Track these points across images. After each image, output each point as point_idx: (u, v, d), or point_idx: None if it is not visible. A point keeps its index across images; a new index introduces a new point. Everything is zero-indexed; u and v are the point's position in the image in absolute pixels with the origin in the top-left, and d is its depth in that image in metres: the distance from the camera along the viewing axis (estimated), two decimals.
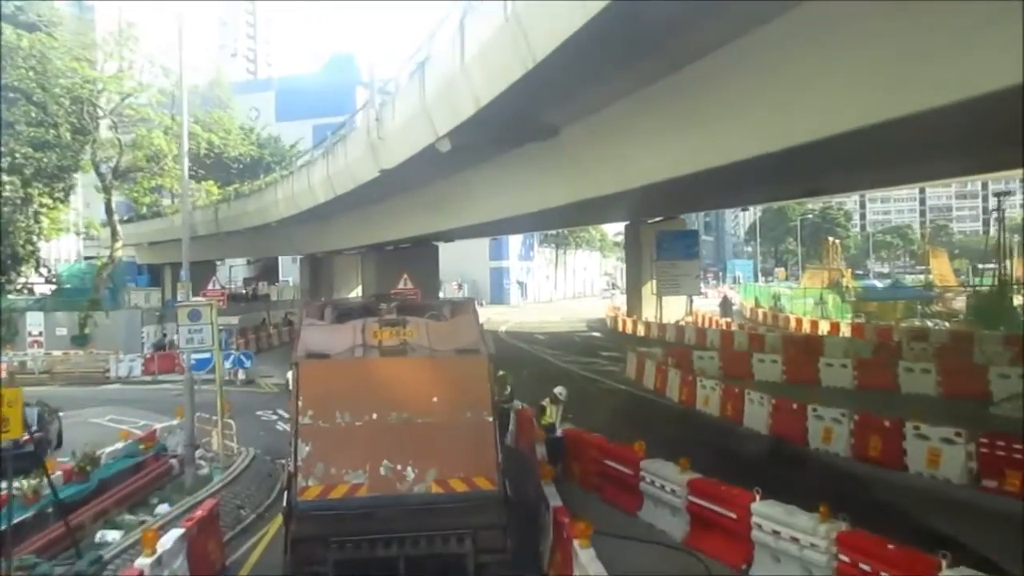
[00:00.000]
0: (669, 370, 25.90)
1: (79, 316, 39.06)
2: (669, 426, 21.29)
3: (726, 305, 52.03)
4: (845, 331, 40.19)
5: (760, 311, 56.88)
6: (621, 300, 79.06)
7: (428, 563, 9.53)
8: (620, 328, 54.88)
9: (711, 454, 16.34)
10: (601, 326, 61.65)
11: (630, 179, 19.60)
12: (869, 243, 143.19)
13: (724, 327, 46.90)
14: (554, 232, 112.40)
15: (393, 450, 9.72)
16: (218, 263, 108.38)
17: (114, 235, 45.00)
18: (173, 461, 17.36)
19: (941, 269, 57.18)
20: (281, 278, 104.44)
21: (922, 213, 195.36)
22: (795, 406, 18.55)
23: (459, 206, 29.46)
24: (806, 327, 45.76)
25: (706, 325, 49.35)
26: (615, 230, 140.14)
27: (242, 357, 32.12)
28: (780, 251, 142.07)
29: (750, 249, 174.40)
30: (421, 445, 9.81)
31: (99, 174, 42.25)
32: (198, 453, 18.16)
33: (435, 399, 10.13)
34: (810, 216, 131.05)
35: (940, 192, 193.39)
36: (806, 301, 52.93)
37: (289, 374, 12.31)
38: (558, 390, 15.65)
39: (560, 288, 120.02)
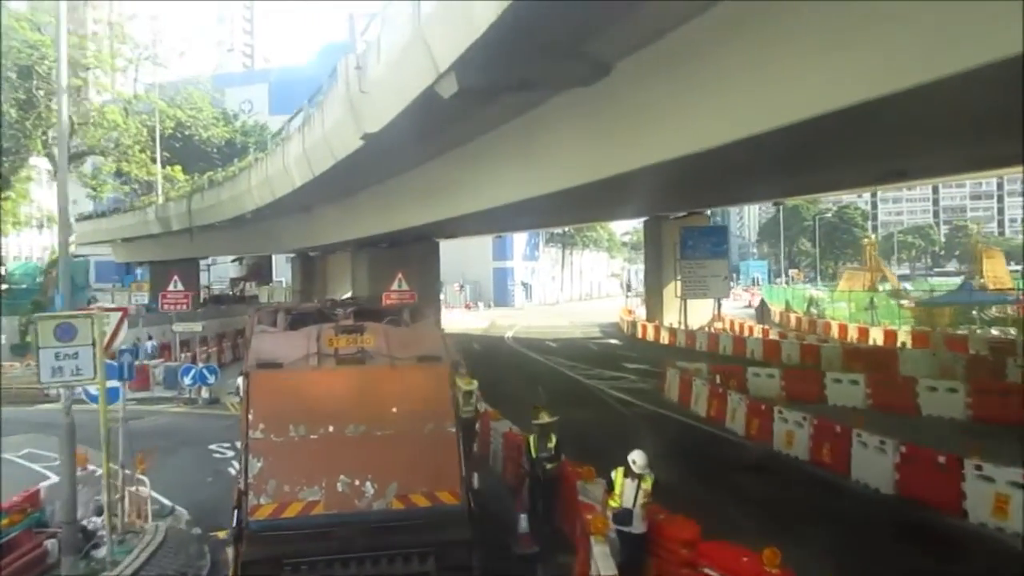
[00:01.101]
0: (730, 395, 20.56)
1: (19, 321, 33.84)
2: (754, 481, 16.03)
3: (763, 310, 46.84)
4: (905, 341, 34.92)
5: (792, 316, 51.51)
6: (635, 303, 74.08)
7: None
8: (640, 335, 49.62)
9: (839, 535, 11.21)
10: (617, 332, 56.36)
11: (702, 137, 14.14)
12: (893, 243, 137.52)
13: (762, 335, 41.56)
14: (560, 231, 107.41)
15: (351, 464, 9.25)
16: (208, 262, 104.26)
17: (65, 228, 39.44)
18: (49, 543, 11.94)
19: (996, 271, 51.83)
20: (275, 278, 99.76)
21: (935, 214, 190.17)
22: (942, 460, 13.16)
23: (461, 191, 24.22)
24: (852, 335, 40.44)
25: (741, 332, 44.05)
26: (623, 229, 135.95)
27: (205, 372, 27.00)
28: (793, 252, 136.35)
29: (756, 251, 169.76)
30: (380, 459, 9.35)
31: (50, 157, 36.92)
32: (98, 521, 12.83)
33: (395, 409, 9.66)
34: (828, 215, 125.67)
35: (954, 192, 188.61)
36: (849, 305, 47.56)
37: (240, 382, 10.58)
38: (635, 456, 9.98)
39: (566, 290, 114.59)
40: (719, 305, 48.52)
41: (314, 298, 68.22)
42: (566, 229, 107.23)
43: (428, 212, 26.89)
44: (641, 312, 63.05)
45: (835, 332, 42.16)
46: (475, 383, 17.34)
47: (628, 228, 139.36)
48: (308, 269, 76.49)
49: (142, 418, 25.00)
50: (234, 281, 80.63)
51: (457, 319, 65.91)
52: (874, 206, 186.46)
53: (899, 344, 34.55)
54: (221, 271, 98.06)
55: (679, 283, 47.51)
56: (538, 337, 52.37)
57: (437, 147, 23.14)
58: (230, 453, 19.75)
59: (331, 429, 9.41)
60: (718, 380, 23.41)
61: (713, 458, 18.09)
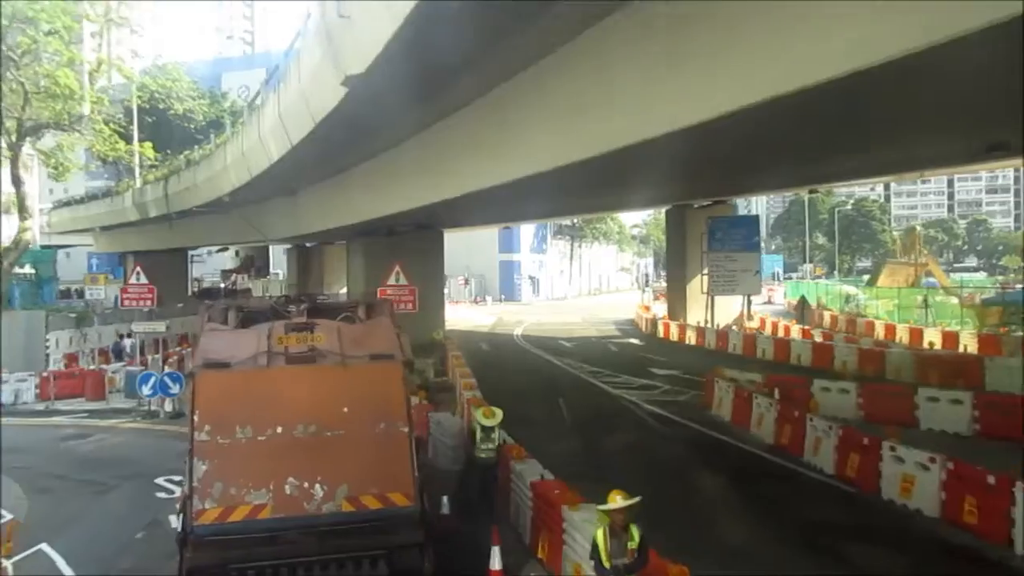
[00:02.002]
0: (811, 421, 16.32)
1: None
2: (876, 554, 11.79)
3: (804, 308, 42.62)
4: (969, 343, 30.74)
5: (827, 314, 47.20)
6: (651, 298, 69.80)
7: None
8: (662, 334, 45.41)
9: None
10: (635, 330, 52.18)
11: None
12: (896, 241, 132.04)
13: (801, 336, 37.35)
14: (569, 223, 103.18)
15: (300, 466, 8.89)
16: (202, 253, 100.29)
17: (23, 213, 35.44)
18: None
19: None
20: (272, 271, 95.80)
21: (950, 208, 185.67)
22: None
23: (471, 161, 19.95)
24: (902, 336, 36.24)
25: (776, 332, 39.87)
26: (632, 222, 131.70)
27: (167, 380, 22.84)
28: (806, 246, 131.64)
29: (765, 246, 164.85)
30: (331, 460, 9.01)
31: (3, 131, 32.71)
32: None
33: (346, 409, 9.28)
34: (848, 207, 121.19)
35: (970, 186, 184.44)
36: (895, 302, 43.30)
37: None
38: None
39: (575, 284, 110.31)
40: (749, 302, 44.25)
41: (309, 291, 64.80)
42: (575, 221, 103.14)
43: (428, 191, 22.67)
44: (659, 308, 59.11)
45: (880, 333, 37.95)
46: (499, 415, 13.22)
47: (638, 221, 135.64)
48: (305, 262, 72.68)
49: (88, 437, 21.05)
50: (225, 274, 76.48)
51: (463, 315, 61.74)
52: (887, 200, 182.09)
53: (964, 347, 30.41)
54: (219, 263, 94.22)
55: (706, 278, 43.30)
56: (550, 335, 48.24)
57: (438, 106, 18.98)
58: (179, 491, 15.64)
59: (279, 430, 9.09)
60: (776, 395, 19.31)
61: (803, 510, 13.90)
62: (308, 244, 71.43)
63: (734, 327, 43.75)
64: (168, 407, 23.41)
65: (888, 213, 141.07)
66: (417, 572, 8.93)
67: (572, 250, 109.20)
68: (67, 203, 59.65)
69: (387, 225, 34.82)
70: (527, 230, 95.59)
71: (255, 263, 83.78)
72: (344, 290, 61.47)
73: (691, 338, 41.23)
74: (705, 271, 43.43)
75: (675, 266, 48.65)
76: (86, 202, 53.87)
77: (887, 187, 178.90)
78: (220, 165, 30.75)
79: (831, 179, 39.13)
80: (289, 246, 77.10)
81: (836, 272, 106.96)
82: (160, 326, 24.87)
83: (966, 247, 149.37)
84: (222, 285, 69.15)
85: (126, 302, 25.55)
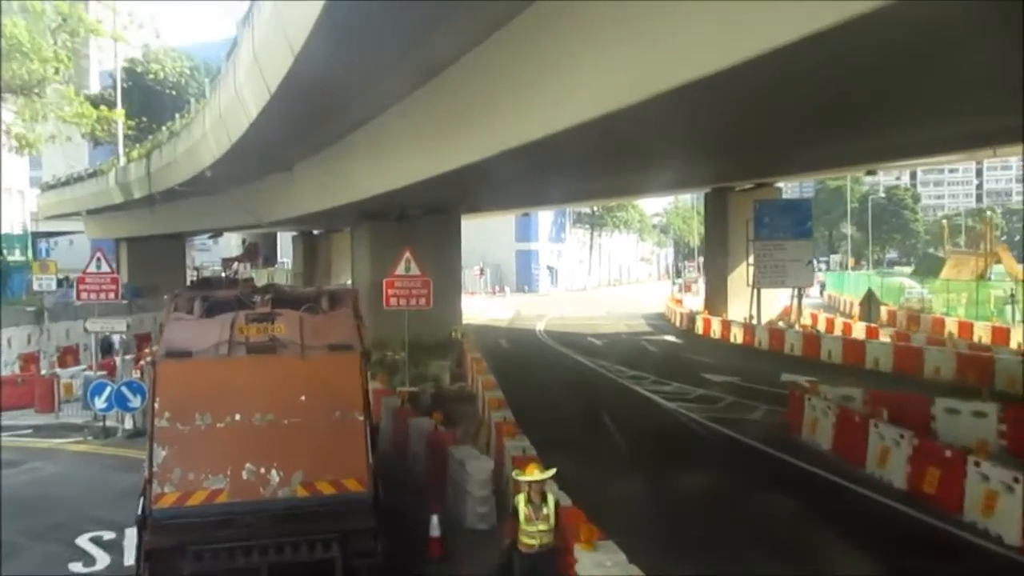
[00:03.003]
0: (976, 469, 11.81)
1: None
2: None
3: (871, 303, 37.99)
4: None
5: (883, 309, 42.49)
6: (677, 289, 65.26)
7: (293, 571, 8.84)
8: (702, 330, 41.01)
9: None
10: (668, 326, 47.78)
11: None
12: (944, 227, 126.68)
13: (867, 335, 32.84)
14: (589, 211, 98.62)
15: (257, 453, 9.04)
16: (210, 240, 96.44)
17: None
18: None
19: None
20: (280, 260, 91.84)
21: (979, 197, 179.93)
22: None
23: (498, 110, 15.50)
24: (981, 336, 31.70)
25: (839, 331, 35.37)
26: (652, 210, 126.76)
27: (125, 391, 18.57)
28: (833, 236, 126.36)
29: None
30: (287, 447, 9.16)
31: None
32: None
33: (303, 398, 9.47)
34: (880, 195, 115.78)
35: (999, 176, 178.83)
36: (966, 297, 38.65)
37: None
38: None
39: (594, 274, 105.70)
40: (800, 296, 39.70)
41: (315, 281, 60.57)
42: (595, 209, 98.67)
43: (441, 156, 18.16)
44: (692, 301, 54.69)
45: (953, 331, 33.37)
46: (551, 476, 8.87)
47: (658, 209, 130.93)
48: (311, 250, 68.84)
49: (19, 465, 16.84)
50: (226, 263, 72.28)
51: (478, 308, 57.26)
52: (914, 188, 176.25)
53: None
54: (226, 251, 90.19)
55: (752, 268, 38.75)
56: (576, 331, 43.88)
57: (448, 40, 14.56)
58: (105, 560, 11.34)
59: (238, 418, 9.24)
60: (885, 416, 14.94)
61: None
62: (315, 231, 67.63)
63: (780, 323, 39.39)
64: (128, 424, 19.16)
65: (919, 201, 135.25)
66: (369, 555, 9.08)
67: (592, 239, 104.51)
68: (53, 185, 55.49)
69: (397, 207, 30.50)
70: (545, 218, 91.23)
71: (259, 251, 79.63)
72: (349, 281, 57.45)
73: (737, 336, 36.77)
74: (751, 261, 38.88)
75: (715, 255, 44.12)
76: (72, 183, 49.79)
77: (913, 176, 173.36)
78: (199, 132, 26.46)
79: (887, 156, 34.45)
80: (295, 233, 73.29)
81: (868, 263, 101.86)
82: (119, 324, 20.56)
83: (1004, 237, 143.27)
84: (223, 274, 64.93)
85: (83, 294, 21.24)
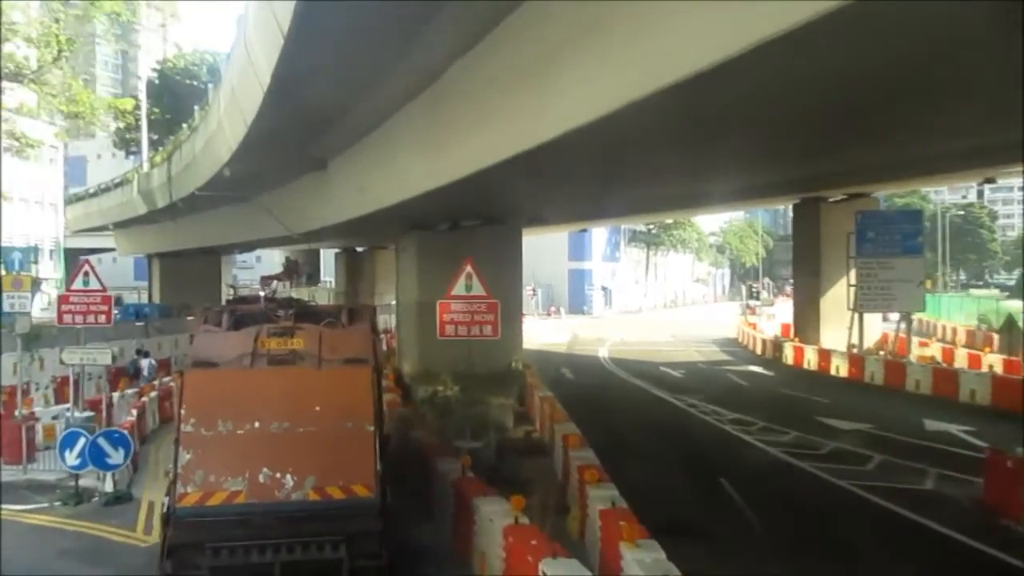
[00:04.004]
0: None
1: None
2: None
3: (1011, 331, 32.59)
4: None
5: (990, 336, 36.82)
6: (761, 312, 59.72)
7: (303, 569, 9.34)
8: (792, 360, 35.91)
9: None
10: (746, 353, 42.78)
11: None
12: None
13: (1004, 367, 27.50)
14: (645, 229, 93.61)
15: (273, 458, 9.61)
16: (252, 256, 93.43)
17: None
18: None
19: None
20: (323, 278, 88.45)
21: None
22: None
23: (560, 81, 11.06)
24: None
25: (962, 363, 30.06)
26: (708, 228, 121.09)
27: (103, 443, 14.32)
28: None
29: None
30: (301, 453, 9.70)
31: None
32: None
33: (318, 408, 10.02)
34: (958, 213, 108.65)
35: None
36: None
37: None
38: None
39: (649, 295, 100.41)
40: (908, 321, 34.37)
41: (359, 300, 56.53)
42: (650, 227, 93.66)
43: (502, 142, 13.53)
44: (768, 326, 49.50)
45: None
46: None
47: (714, 228, 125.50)
48: (355, 268, 64.91)
49: None
50: (264, 280, 68.52)
51: (533, 330, 52.42)
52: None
53: None
54: (270, 268, 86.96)
55: (853, 290, 33.58)
56: (644, 359, 39.06)
57: None
58: None
59: (257, 425, 9.77)
60: None
61: None
62: (358, 248, 63.89)
63: (882, 352, 34.19)
64: (108, 485, 14.84)
65: (996, 219, 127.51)
66: (375, 558, 9.47)
67: (648, 258, 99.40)
68: (80, 197, 52.28)
69: (448, 216, 26.17)
70: (599, 236, 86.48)
71: (299, 269, 76.03)
72: (394, 301, 53.34)
73: (840, 368, 31.62)
74: (852, 282, 33.69)
75: (804, 275, 38.91)
76: (99, 195, 46.50)
77: (980, 194, 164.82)
78: (215, 121, 22.39)
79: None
80: (338, 251, 69.64)
81: (942, 285, 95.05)
82: (103, 354, 16.23)
83: None
84: (261, 293, 61.18)
85: (65, 316, 17.11)
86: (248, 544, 9.21)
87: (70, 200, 55.19)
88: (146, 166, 36.18)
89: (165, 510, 9.66)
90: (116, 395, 20.23)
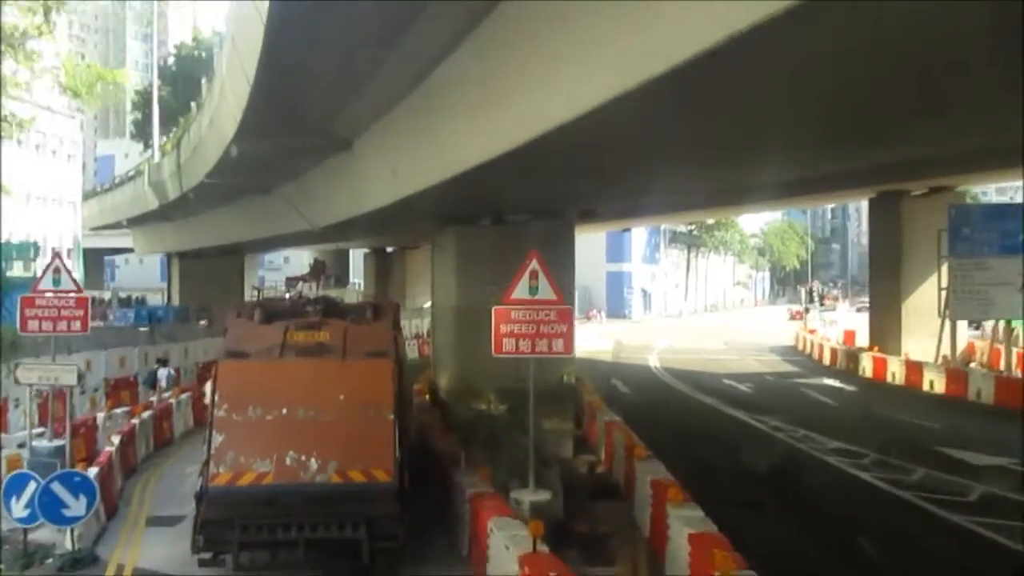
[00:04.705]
0: None
1: None
2: None
3: None
4: None
5: None
6: (822, 318, 55.52)
7: (325, 546, 9.98)
8: (870, 372, 32.00)
9: None
10: (811, 363, 39.05)
11: None
12: None
13: None
14: (686, 229, 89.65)
15: (299, 442, 10.21)
16: (280, 256, 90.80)
17: None
18: None
19: None
20: (352, 280, 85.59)
21: None
22: None
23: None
24: None
25: None
26: (750, 229, 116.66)
27: (58, 490, 11.05)
28: None
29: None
30: (325, 439, 10.30)
31: None
32: None
33: (341, 397, 10.65)
34: None
35: None
36: None
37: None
38: None
39: (690, 299, 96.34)
40: (1011, 329, 30.29)
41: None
42: (692, 228, 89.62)
43: (597, 79, 10.03)
44: (831, 332, 45.55)
45: None
46: None
47: (755, 230, 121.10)
48: (384, 269, 62.05)
49: None
50: (290, 281, 65.69)
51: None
52: None
53: None
54: (298, 268, 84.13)
55: (944, 294, 29.68)
56: (701, 369, 35.48)
57: None
58: None
59: (285, 411, 10.46)
60: None
61: None
62: (388, 249, 60.84)
63: (974, 364, 30.34)
64: (68, 543, 11.52)
65: None
66: (392, 538, 10.14)
67: (689, 260, 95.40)
68: (96, 192, 49.53)
69: (491, 206, 22.77)
70: (638, 237, 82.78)
71: (326, 270, 73.22)
72: (428, 304, 50.17)
73: (935, 383, 27.65)
74: (944, 285, 29.80)
75: (883, 277, 34.89)
76: (113, 189, 43.65)
77: None
78: (218, 88, 19.07)
79: None
80: (367, 251, 66.66)
81: None
82: (67, 373, 12.86)
83: None
84: (287, 295, 58.19)
85: (30, 323, 13.90)
86: (274, 522, 9.90)
87: (86, 196, 52.47)
88: (157, 156, 33.22)
89: (199, 488, 10.30)
90: (102, 416, 16.95)
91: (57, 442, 14.19)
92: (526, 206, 22.81)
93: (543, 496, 11.44)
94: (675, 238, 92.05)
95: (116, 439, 15.45)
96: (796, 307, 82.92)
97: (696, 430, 21.61)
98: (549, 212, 23.57)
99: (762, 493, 14.90)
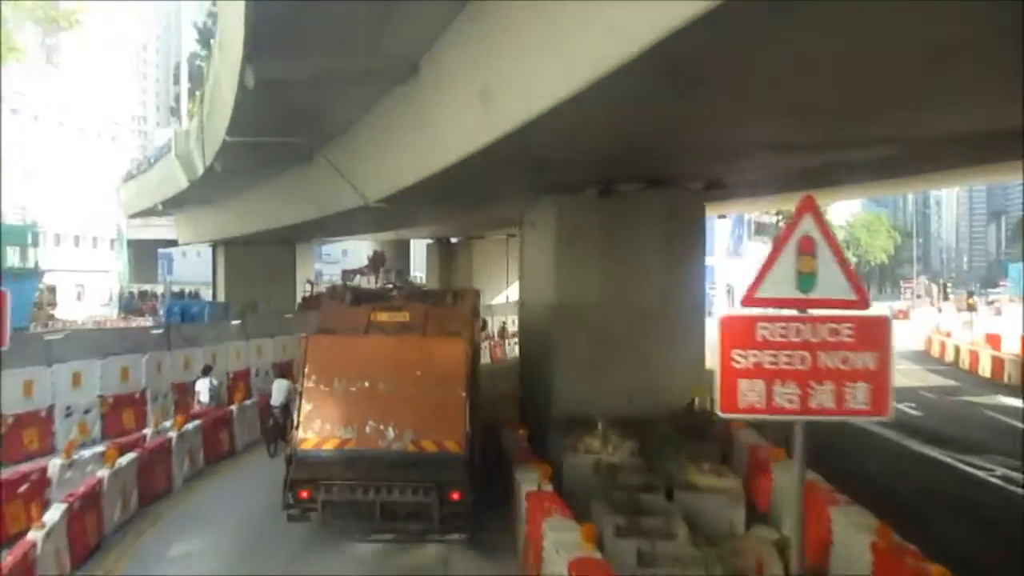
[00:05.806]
0: None
1: None
2: None
3: None
4: None
5: None
6: (952, 318, 48.37)
7: (399, 509, 11.06)
8: None
9: None
10: (961, 372, 32.75)
11: None
12: None
13: None
14: (774, 218, 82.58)
15: (378, 413, 11.22)
16: (335, 251, 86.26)
17: None
18: None
19: None
20: (413, 273, 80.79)
21: None
22: None
23: None
24: None
25: None
26: (836, 221, 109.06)
27: None
28: None
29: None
30: (402, 410, 11.22)
31: None
32: None
33: (418, 373, 11.49)
34: None
35: None
36: None
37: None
38: None
39: None
40: None
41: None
42: (778, 218, 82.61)
43: None
44: (963, 334, 38.88)
45: None
46: None
47: (840, 221, 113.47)
48: (448, 261, 56.74)
49: None
50: (347, 275, 61.00)
51: None
52: None
53: None
54: (358, 261, 79.56)
55: None
56: None
57: None
58: None
59: (366, 384, 11.47)
60: None
61: None
62: (452, 240, 55.62)
63: None
64: None
65: None
66: (461, 504, 10.91)
67: None
68: (134, 174, 44.96)
69: (597, 174, 17.01)
70: (723, 228, 76.13)
71: (385, 262, 68.41)
72: (505, 298, 44.74)
73: None
74: None
75: None
76: (147, 168, 39.01)
77: None
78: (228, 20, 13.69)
79: None
80: (430, 241, 61.44)
81: None
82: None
83: None
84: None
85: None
86: (354, 483, 10.93)
87: (125, 178, 48.14)
88: (185, 122, 28.42)
89: (289, 451, 11.37)
90: (55, 465, 11.75)
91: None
92: (638, 173, 17.01)
93: None
94: (759, 229, 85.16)
95: (108, 466, 11.08)
96: (897, 305, 75.55)
97: (873, 473, 15.32)
98: (667, 179, 17.70)
99: None
